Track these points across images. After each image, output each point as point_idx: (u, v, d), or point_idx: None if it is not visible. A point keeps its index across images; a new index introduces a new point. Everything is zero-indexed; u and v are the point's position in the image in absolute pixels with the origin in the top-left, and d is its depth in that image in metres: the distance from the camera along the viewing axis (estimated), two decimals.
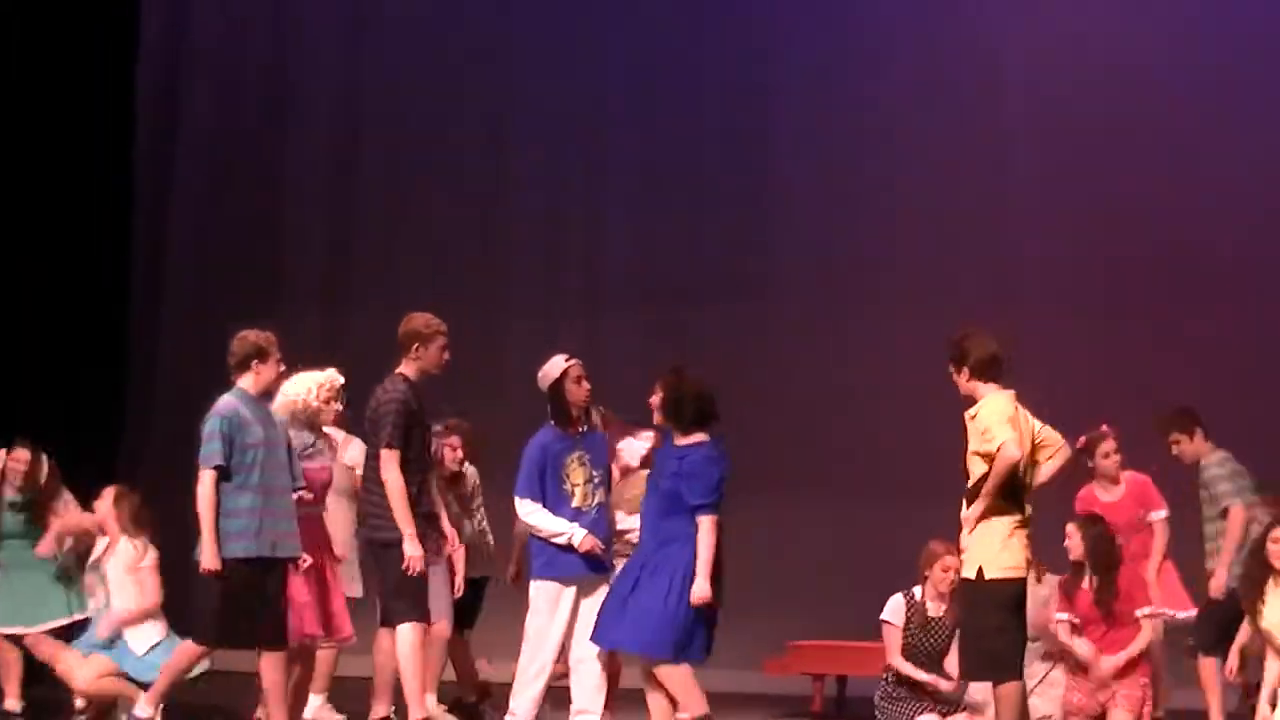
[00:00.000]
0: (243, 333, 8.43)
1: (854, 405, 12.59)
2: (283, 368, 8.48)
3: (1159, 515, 9.81)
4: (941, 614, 9.25)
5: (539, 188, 13.52)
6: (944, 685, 9.13)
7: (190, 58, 14.16)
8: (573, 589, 8.63)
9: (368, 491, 8.66)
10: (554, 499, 8.62)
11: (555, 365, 8.67)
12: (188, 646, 8.38)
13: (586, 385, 8.69)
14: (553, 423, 8.68)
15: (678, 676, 8.26)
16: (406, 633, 8.47)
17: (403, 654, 8.47)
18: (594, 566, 8.62)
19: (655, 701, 8.37)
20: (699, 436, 8.36)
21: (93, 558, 9.66)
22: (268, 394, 8.48)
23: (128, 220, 13.75)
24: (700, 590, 8.17)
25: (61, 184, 12.89)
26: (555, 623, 8.62)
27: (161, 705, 8.50)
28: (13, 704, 9.90)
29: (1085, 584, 9.22)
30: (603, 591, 8.51)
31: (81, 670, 9.38)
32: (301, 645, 8.70)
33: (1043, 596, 9.39)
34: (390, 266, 13.56)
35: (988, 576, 7.95)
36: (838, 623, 11.17)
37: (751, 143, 13.11)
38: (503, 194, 13.54)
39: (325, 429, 9.03)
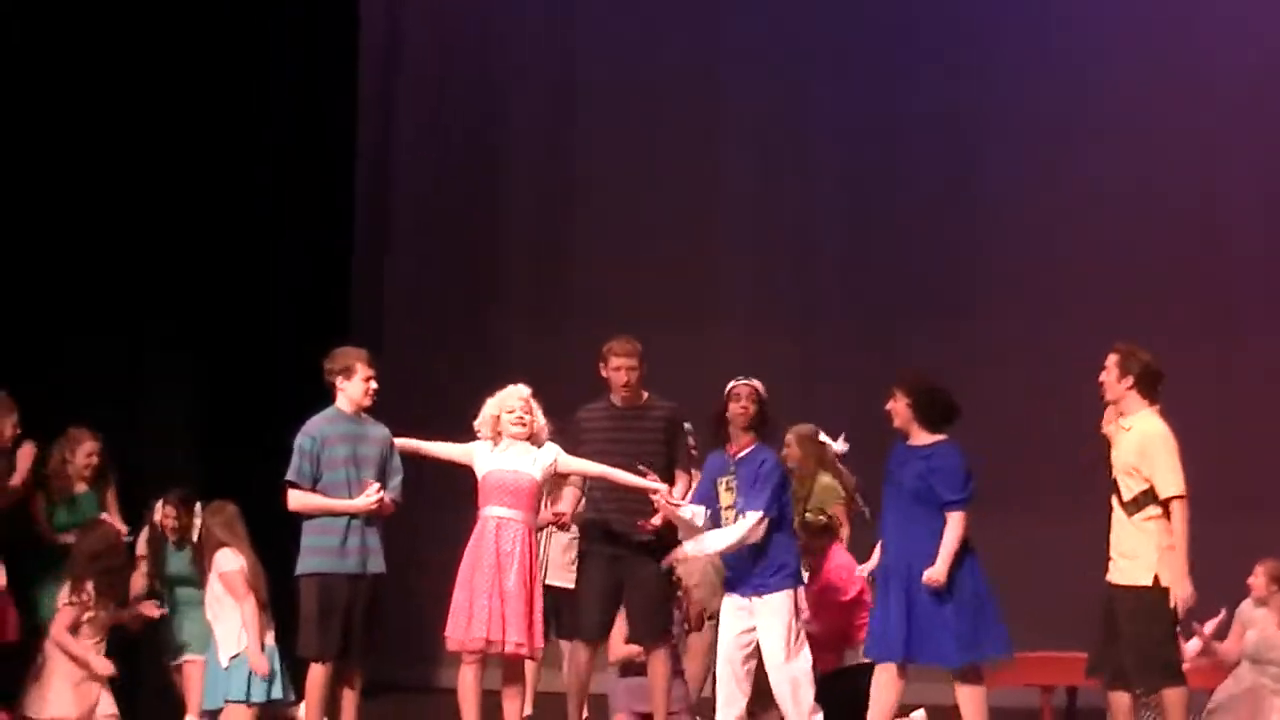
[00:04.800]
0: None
1: (1064, 418, 12.41)
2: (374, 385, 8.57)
3: None
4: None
5: (750, 201, 13.65)
6: None
7: (408, 46, 14.41)
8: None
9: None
10: (713, 518, 8.78)
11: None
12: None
13: (738, 406, 8.73)
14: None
15: (970, 694, 8.23)
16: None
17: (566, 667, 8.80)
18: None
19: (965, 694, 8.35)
20: (941, 436, 8.27)
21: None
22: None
23: (349, 234, 13.78)
24: (935, 573, 8.08)
25: (274, 194, 12.94)
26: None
27: None
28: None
29: None
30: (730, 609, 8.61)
31: None
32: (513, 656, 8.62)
33: (1260, 615, 9.58)
34: (601, 281, 13.70)
35: (1163, 584, 8.16)
36: (1064, 633, 10.97)
37: (961, 158, 13.19)
38: (713, 207, 13.65)
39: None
